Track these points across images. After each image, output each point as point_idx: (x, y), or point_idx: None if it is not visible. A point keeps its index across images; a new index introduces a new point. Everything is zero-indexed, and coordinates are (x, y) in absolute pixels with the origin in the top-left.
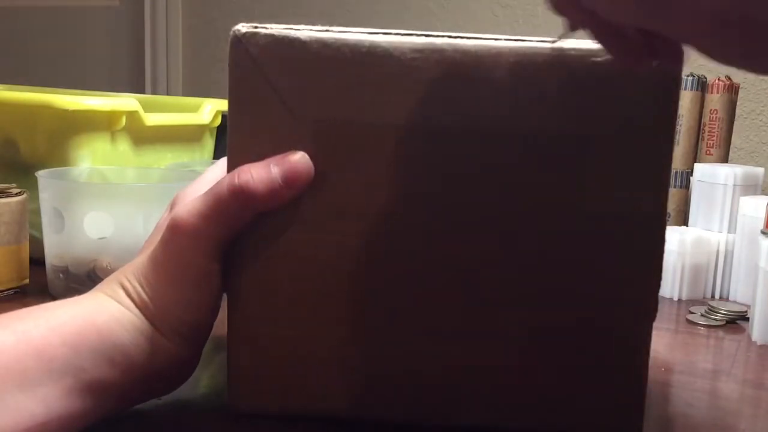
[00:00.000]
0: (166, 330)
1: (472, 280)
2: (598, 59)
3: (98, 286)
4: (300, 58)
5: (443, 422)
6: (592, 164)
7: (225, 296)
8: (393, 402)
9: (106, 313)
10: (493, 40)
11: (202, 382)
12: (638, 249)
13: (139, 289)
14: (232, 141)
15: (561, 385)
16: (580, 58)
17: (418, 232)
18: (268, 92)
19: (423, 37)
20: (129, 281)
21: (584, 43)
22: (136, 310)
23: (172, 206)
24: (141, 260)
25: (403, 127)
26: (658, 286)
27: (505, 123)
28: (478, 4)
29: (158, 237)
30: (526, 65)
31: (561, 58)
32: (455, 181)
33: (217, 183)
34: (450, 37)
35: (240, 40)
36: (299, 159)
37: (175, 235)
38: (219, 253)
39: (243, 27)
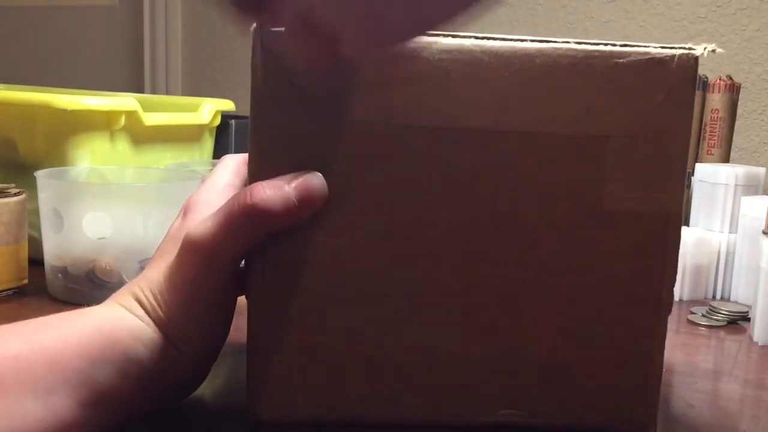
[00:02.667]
0: (182, 346)
1: (493, 278)
2: (621, 61)
3: (114, 297)
4: None
5: (466, 420)
6: (610, 164)
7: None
8: (418, 404)
9: (123, 327)
10: (520, 41)
11: (215, 387)
12: (654, 246)
13: (155, 305)
14: (254, 144)
15: (577, 379)
16: (603, 59)
17: (443, 233)
18: (294, 93)
19: (451, 38)
20: (145, 296)
21: (606, 45)
22: (153, 325)
23: (184, 212)
24: (156, 275)
25: (429, 128)
26: (673, 281)
27: (529, 123)
28: None
29: (170, 246)
30: (551, 66)
31: (585, 59)
32: (480, 180)
33: (230, 200)
34: (477, 38)
35: (264, 39)
36: (313, 177)
37: (190, 257)
38: (234, 271)
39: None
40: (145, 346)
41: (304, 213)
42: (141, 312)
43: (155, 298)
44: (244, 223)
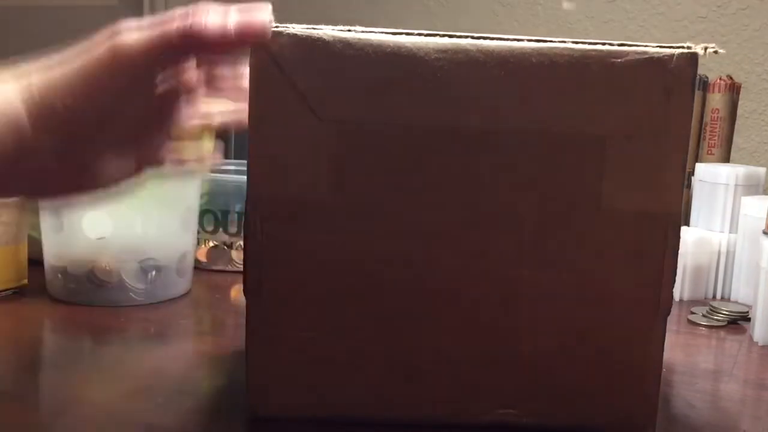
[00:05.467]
0: (44, 134)
1: (492, 277)
2: (618, 60)
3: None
4: (323, 59)
5: (465, 419)
6: (608, 163)
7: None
8: (416, 403)
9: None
10: (516, 41)
11: (215, 387)
12: (653, 245)
13: (37, 98)
14: (252, 143)
15: (576, 379)
16: (601, 59)
17: (441, 232)
18: (290, 93)
19: (447, 38)
20: (35, 86)
21: (604, 44)
22: (24, 108)
23: (113, 32)
24: (59, 74)
25: (426, 127)
26: (673, 281)
27: (526, 123)
28: (478, 2)
29: (77, 56)
30: (548, 66)
31: (582, 59)
32: (477, 180)
33: (168, 19)
34: (474, 37)
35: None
36: (259, 14)
37: (116, 58)
38: (151, 85)
39: None
40: (7, 118)
41: (238, 45)
42: (26, 95)
43: (46, 88)
44: (177, 43)
